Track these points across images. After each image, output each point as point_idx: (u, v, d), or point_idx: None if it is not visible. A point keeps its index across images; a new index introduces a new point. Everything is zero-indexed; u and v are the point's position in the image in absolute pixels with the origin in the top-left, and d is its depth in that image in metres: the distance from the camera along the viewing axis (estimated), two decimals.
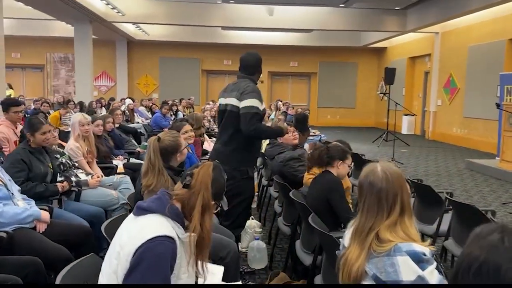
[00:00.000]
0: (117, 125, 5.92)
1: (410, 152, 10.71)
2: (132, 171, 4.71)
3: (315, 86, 18.77)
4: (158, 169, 2.41)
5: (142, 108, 12.26)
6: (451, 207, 3.15)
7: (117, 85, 17.89)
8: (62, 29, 15.26)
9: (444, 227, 3.18)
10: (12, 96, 14.49)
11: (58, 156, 3.61)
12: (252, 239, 3.65)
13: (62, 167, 3.55)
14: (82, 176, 3.67)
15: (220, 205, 1.78)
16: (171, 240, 1.58)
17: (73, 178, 3.53)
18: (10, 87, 16.47)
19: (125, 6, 12.08)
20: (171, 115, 10.60)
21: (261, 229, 3.84)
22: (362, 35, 16.71)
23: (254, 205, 5.27)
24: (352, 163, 2.89)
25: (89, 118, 4.17)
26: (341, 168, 2.82)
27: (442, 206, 3.23)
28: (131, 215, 1.72)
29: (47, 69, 17.93)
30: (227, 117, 3.17)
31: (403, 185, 1.58)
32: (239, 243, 3.62)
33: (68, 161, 3.69)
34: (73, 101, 9.80)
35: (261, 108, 3.08)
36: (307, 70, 18.58)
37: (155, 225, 1.60)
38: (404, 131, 15.02)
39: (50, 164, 3.28)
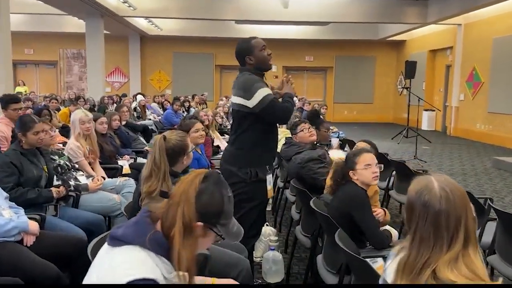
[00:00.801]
0: (124, 123, 5.63)
1: (432, 150, 10.23)
2: (139, 172, 4.40)
3: (331, 81, 18.31)
4: (164, 173, 2.10)
5: (154, 105, 12.01)
6: (495, 217, 2.76)
7: (130, 81, 17.71)
8: (75, 24, 15.09)
9: (487, 238, 2.79)
10: (26, 93, 14.45)
11: (55, 157, 3.31)
12: (267, 248, 3.31)
13: (59, 169, 3.25)
14: (82, 179, 3.37)
15: (219, 233, 1.32)
16: (153, 283, 1.19)
17: (72, 182, 3.24)
18: (23, 83, 16.47)
19: (137, 0, 11.81)
20: (183, 112, 10.32)
21: (276, 237, 3.50)
22: (380, 27, 16.18)
23: (269, 208, 4.94)
24: (382, 166, 2.48)
25: (90, 115, 3.87)
26: (360, 174, 2.42)
27: (484, 215, 2.85)
28: (105, 245, 1.34)
29: (60, 65, 17.82)
30: (233, 116, 2.95)
31: (467, 206, 1.22)
32: (253, 252, 3.30)
33: (67, 162, 3.40)
34: (83, 98, 9.56)
35: (270, 90, 2.74)
36: (323, 64, 18.12)
37: (131, 264, 1.20)
38: (425, 127, 14.48)
39: (45, 166, 2.99)
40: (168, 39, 17.10)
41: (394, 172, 4.34)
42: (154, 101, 12.44)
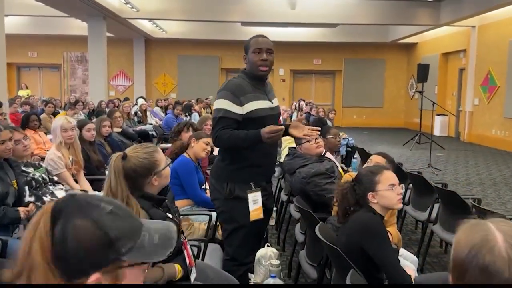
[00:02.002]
0: (119, 130, 5.28)
1: (447, 157, 9.76)
2: None
3: (340, 84, 17.86)
4: (122, 199, 1.70)
5: (157, 109, 11.70)
6: None
7: (135, 84, 17.43)
8: (79, 27, 14.83)
9: None
10: (29, 96, 14.21)
11: (30, 170, 2.94)
12: (268, 275, 2.90)
13: (34, 183, 2.89)
14: (60, 194, 2.99)
15: (136, 263, 0.83)
16: None
17: (47, 198, 2.87)
18: (26, 87, 16.26)
19: (140, 2, 11.51)
20: (185, 116, 9.97)
21: (278, 262, 3.08)
22: (390, 30, 15.75)
23: (272, 222, 4.56)
24: (403, 186, 2.07)
25: (73, 122, 3.51)
26: (383, 197, 1.99)
27: None
28: None
29: (64, 68, 17.59)
30: None
31: None
32: (251, 276, 2.92)
33: (44, 175, 3.03)
34: (82, 102, 9.24)
35: (237, 108, 2.27)
36: (331, 67, 17.69)
37: None
38: (437, 132, 13.97)
39: (14, 181, 2.63)
40: (173, 41, 16.81)
41: (410, 185, 3.92)
42: (157, 105, 12.13)
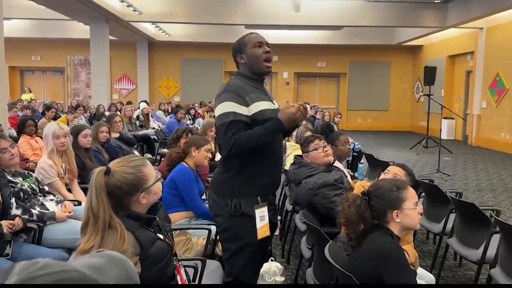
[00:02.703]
0: (117, 135, 5.10)
1: (455, 161, 9.53)
2: None
3: (344, 87, 17.66)
4: (104, 222, 1.50)
5: (160, 113, 11.53)
6: None
7: (138, 88, 17.31)
8: (82, 30, 14.72)
9: None
10: (32, 100, 14.10)
11: (18, 180, 2.77)
12: None
13: (22, 195, 2.71)
14: (51, 206, 2.82)
15: None
16: None
17: (36, 210, 2.69)
18: (29, 90, 16.16)
19: (142, 5, 11.38)
20: (189, 119, 9.81)
21: (283, 278, 2.90)
22: (395, 32, 15.54)
23: (276, 232, 4.36)
24: (422, 204, 1.86)
25: (66, 128, 3.33)
26: (407, 216, 1.77)
27: None
28: None
29: (67, 72, 17.50)
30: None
31: None
32: None
33: (33, 185, 2.85)
34: (83, 106, 9.10)
35: (244, 110, 2.06)
36: (336, 70, 17.49)
37: None
38: (444, 135, 13.71)
39: None
40: (176, 45, 16.69)
41: (422, 194, 3.71)
42: (160, 109, 11.97)
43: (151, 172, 1.66)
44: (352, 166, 7.89)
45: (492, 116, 11.87)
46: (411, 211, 1.75)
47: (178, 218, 2.89)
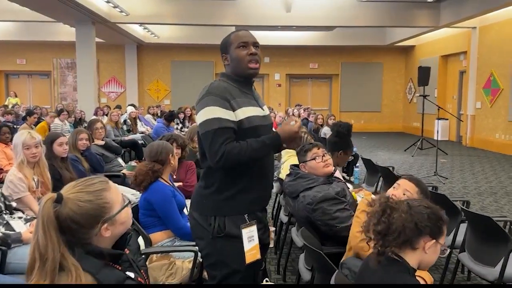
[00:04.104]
0: (102, 142, 4.79)
1: (451, 163, 9.33)
2: None
3: (337, 88, 17.47)
4: (54, 262, 1.20)
5: (148, 116, 11.24)
6: None
7: (127, 91, 16.97)
8: (68, 33, 14.33)
9: None
10: (18, 105, 13.69)
11: None
12: None
13: None
14: (18, 225, 2.52)
15: None
16: None
17: (0, 230, 2.39)
18: (15, 95, 15.72)
19: (129, 6, 11.07)
20: (177, 124, 9.52)
21: None
22: (387, 32, 15.39)
23: (271, 244, 4.09)
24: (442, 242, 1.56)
25: (37, 137, 3.03)
26: (429, 253, 1.45)
27: None
28: None
29: (54, 75, 17.09)
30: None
31: None
32: None
33: None
34: (67, 111, 8.76)
35: (231, 115, 1.80)
36: (328, 71, 17.30)
37: None
38: (437, 137, 13.55)
39: None
40: (166, 47, 16.38)
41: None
42: (149, 113, 11.66)
43: (116, 197, 1.36)
44: (348, 169, 7.65)
45: (486, 117, 11.72)
46: (438, 249, 1.48)
47: (160, 238, 2.59)
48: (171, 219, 2.59)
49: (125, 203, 1.36)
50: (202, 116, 1.82)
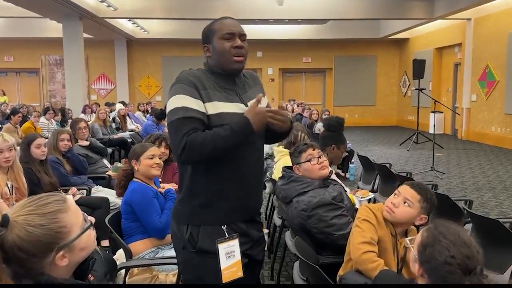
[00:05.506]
0: (86, 143, 4.57)
1: (447, 157, 9.19)
2: (91, 209, 3.37)
3: (330, 83, 17.29)
4: None
5: (138, 114, 10.99)
6: None
7: (117, 88, 16.67)
8: (57, 29, 13.94)
9: None
10: (6, 103, 13.38)
11: None
12: None
13: None
14: None
15: None
16: None
17: None
18: (3, 93, 15.39)
19: (118, 0, 10.79)
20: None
21: None
22: (381, 25, 15.22)
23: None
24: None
25: (11, 140, 2.81)
26: None
27: None
28: None
29: (42, 72, 16.75)
30: None
31: None
32: None
33: None
34: (53, 109, 8.50)
35: (200, 106, 1.57)
36: (321, 65, 17.09)
37: None
38: (432, 130, 13.43)
39: None
40: (157, 42, 16.10)
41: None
42: (139, 109, 11.42)
43: (75, 219, 1.15)
44: (343, 166, 7.48)
45: (482, 109, 11.59)
46: None
47: (141, 248, 2.39)
48: (151, 221, 2.39)
49: (86, 226, 1.16)
50: (169, 105, 1.61)
